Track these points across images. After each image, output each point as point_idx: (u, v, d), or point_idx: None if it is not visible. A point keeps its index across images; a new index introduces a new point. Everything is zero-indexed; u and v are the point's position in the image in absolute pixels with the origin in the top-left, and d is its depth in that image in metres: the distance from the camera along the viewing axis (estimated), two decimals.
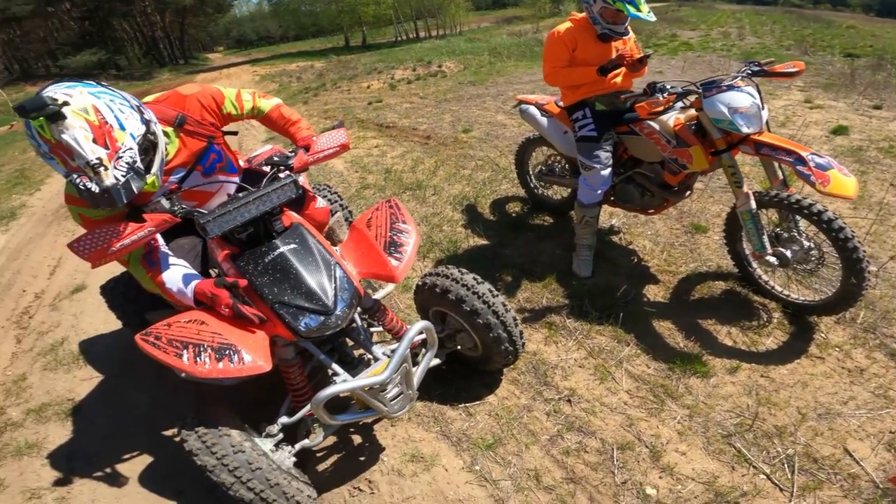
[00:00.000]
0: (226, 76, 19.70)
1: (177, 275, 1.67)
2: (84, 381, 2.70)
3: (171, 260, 1.72)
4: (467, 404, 2.15)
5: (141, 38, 34.42)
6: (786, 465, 1.77)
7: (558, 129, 3.03)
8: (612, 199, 2.92)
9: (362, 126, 7.00)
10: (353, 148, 5.84)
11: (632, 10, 2.41)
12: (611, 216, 3.46)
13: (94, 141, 1.29)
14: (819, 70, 7.72)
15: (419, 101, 8.26)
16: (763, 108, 2.22)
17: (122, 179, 1.32)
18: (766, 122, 2.28)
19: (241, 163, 2.21)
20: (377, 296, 2.14)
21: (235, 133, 2.34)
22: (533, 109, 3.17)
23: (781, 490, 1.69)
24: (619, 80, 2.69)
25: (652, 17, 2.47)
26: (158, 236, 1.72)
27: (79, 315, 3.33)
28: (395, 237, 1.88)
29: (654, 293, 2.70)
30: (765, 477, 1.74)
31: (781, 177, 2.33)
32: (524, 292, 2.83)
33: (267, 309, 1.64)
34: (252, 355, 1.53)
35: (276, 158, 1.90)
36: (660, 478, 1.78)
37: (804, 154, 2.06)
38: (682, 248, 3.04)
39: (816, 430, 1.87)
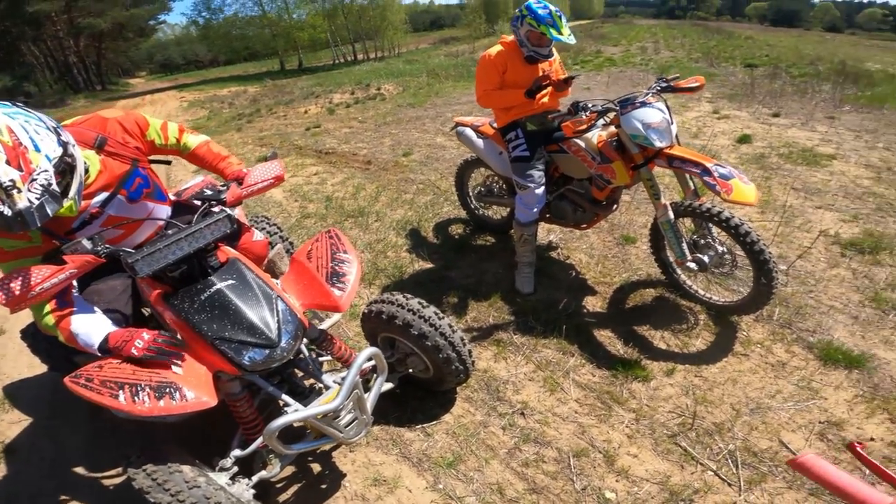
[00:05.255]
0: (150, 102, 18.67)
1: (90, 321, 1.57)
2: (13, 423, 2.51)
3: (85, 305, 1.63)
4: (424, 425, 2.16)
5: (53, 63, 32.10)
6: (730, 461, 1.86)
7: (494, 151, 3.11)
8: (547, 216, 3.02)
9: (300, 153, 6.87)
10: (292, 176, 5.72)
11: (554, 33, 2.56)
12: (549, 233, 3.61)
13: (8, 163, 1.22)
14: (724, 81, 8.41)
15: (358, 125, 8.26)
16: (672, 123, 2.37)
17: (36, 202, 1.26)
18: (676, 136, 2.42)
19: (171, 196, 2.13)
20: (324, 325, 2.11)
21: (168, 163, 2.25)
22: (469, 131, 3.25)
23: (730, 485, 1.77)
24: (546, 100, 2.83)
25: (572, 41, 2.61)
26: (74, 282, 1.62)
27: (0, 360, 3.05)
28: (336, 267, 1.87)
29: (592, 304, 2.83)
30: (712, 473, 1.82)
31: (693, 187, 2.49)
32: (471, 312, 2.88)
33: (207, 346, 1.58)
34: (195, 391, 1.48)
35: (207, 192, 1.84)
36: (617, 481, 1.85)
37: (709, 165, 2.23)
38: (614, 260, 3.22)
39: (751, 425, 1.98)
